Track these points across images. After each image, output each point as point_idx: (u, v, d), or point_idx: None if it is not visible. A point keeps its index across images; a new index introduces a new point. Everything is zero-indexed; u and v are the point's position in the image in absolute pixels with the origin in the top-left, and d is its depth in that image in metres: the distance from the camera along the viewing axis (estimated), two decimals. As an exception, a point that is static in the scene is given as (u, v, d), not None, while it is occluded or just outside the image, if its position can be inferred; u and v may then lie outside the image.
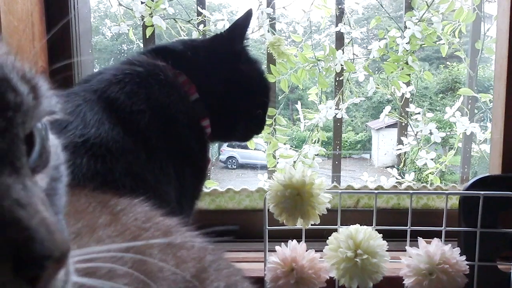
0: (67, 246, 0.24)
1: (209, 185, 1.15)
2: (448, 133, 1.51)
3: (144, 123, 0.68)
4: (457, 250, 0.77)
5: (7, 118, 0.23)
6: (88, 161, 0.58)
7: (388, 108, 1.31)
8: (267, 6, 1.21)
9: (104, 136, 0.62)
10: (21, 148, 0.25)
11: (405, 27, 1.21)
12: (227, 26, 0.91)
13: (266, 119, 0.92)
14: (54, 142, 0.31)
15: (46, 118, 0.28)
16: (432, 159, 1.26)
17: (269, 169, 1.25)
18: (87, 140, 0.60)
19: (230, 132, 0.87)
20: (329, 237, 0.78)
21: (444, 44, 1.23)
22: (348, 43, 1.29)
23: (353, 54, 1.30)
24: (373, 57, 1.26)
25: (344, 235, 0.75)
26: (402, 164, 1.37)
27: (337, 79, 1.28)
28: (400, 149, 1.34)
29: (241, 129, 0.87)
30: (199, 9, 1.19)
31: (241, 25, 0.84)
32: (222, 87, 0.81)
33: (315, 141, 1.30)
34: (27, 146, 0.26)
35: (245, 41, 0.86)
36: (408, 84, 1.27)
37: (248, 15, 0.84)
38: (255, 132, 0.91)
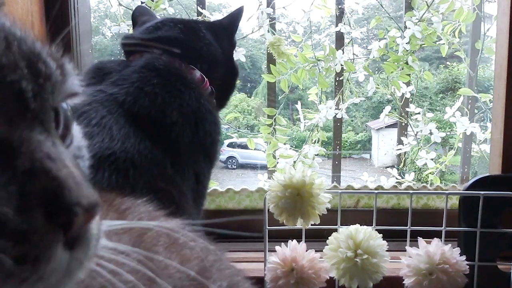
0: (95, 198, 0.25)
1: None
2: (448, 133, 1.51)
3: (176, 133, 0.67)
4: (457, 250, 0.77)
5: (39, 83, 0.26)
6: (110, 175, 0.57)
7: (388, 108, 1.31)
8: (267, 6, 1.21)
9: (130, 150, 0.61)
10: (51, 113, 0.27)
11: (405, 27, 1.21)
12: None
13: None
14: (76, 128, 0.33)
15: (70, 99, 0.30)
16: (432, 159, 1.26)
17: (269, 169, 1.25)
18: (112, 154, 0.59)
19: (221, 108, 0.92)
20: (329, 237, 0.78)
21: (444, 44, 1.23)
22: (348, 43, 1.29)
23: (353, 54, 1.30)
24: (373, 57, 1.26)
25: (344, 235, 0.75)
26: (402, 164, 1.37)
27: (337, 79, 1.28)
28: (400, 149, 1.34)
29: (222, 107, 0.93)
30: (199, 9, 1.19)
31: (238, 16, 0.88)
32: (221, 75, 0.84)
33: (315, 141, 1.30)
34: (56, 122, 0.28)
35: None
36: (408, 84, 1.27)
37: (241, 10, 0.89)
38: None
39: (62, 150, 0.26)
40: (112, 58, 0.85)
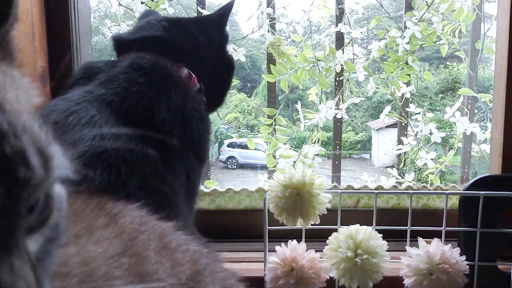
0: None
1: (209, 185, 1.15)
2: (448, 133, 1.51)
3: (164, 131, 0.68)
4: (457, 250, 0.77)
5: (12, 195, 0.22)
6: (101, 173, 0.57)
7: (388, 108, 1.31)
8: (267, 6, 1.21)
9: (121, 148, 0.61)
10: (19, 226, 0.23)
11: (405, 27, 1.21)
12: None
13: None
14: (60, 195, 0.28)
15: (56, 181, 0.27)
16: (432, 159, 1.26)
17: (269, 169, 1.25)
18: (104, 152, 0.59)
19: (213, 109, 0.91)
20: (329, 237, 0.78)
21: (444, 44, 1.23)
22: (348, 43, 1.29)
23: (353, 54, 1.30)
24: (373, 57, 1.26)
25: (344, 235, 0.75)
26: (402, 164, 1.37)
27: (337, 79, 1.28)
28: (400, 149, 1.34)
29: (219, 104, 0.91)
30: (199, 9, 1.19)
31: (228, 9, 0.87)
32: (213, 71, 0.83)
33: (315, 141, 1.30)
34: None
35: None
36: (408, 84, 1.27)
37: (232, 3, 0.88)
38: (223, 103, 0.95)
39: (19, 273, 0.22)
40: (112, 59, 0.84)
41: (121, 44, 0.80)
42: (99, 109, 0.64)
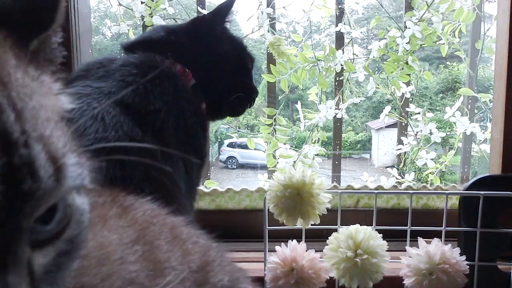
0: None
1: (209, 185, 1.15)
2: (448, 133, 1.51)
3: (160, 121, 0.69)
4: (457, 250, 0.77)
5: (13, 208, 0.21)
6: (107, 166, 0.58)
7: (388, 108, 1.31)
8: (267, 6, 1.21)
9: (123, 138, 0.62)
10: (18, 240, 0.22)
11: (405, 27, 1.21)
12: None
13: (254, 96, 0.92)
14: (81, 207, 0.27)
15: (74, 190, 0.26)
16: (432, 159, 1.26)
17: (269, 169, 1.25)
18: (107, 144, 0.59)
19: (219, 112, 0.90)
20: (329, 237, 0.78)
21: (444, 44, 1.23)
22: (348, 43, 1.29)
23: (353, 54, 1.30)
24: (373, 57, 1.26)
25: (344, 235, 0.75)
26: (402, 164, 1.37)
27: (337, 79, 1.28)
28: (400, 149, 1.34)
29: (228, 109, 0.90)
30: (199, 9, 1.19)
31: (224, 8, 0.87)
32: (206, 69, 0.84)
33: (315, 141, 1.30)
34: (48, 213, 0.23)
35: (226, 23, 0.88)
36: (408, 84, 1.27)
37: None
38: (245, 107, 0.92)
39: None
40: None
41: (124, 49, 0.84)
42: (100, 101, 0.65)
